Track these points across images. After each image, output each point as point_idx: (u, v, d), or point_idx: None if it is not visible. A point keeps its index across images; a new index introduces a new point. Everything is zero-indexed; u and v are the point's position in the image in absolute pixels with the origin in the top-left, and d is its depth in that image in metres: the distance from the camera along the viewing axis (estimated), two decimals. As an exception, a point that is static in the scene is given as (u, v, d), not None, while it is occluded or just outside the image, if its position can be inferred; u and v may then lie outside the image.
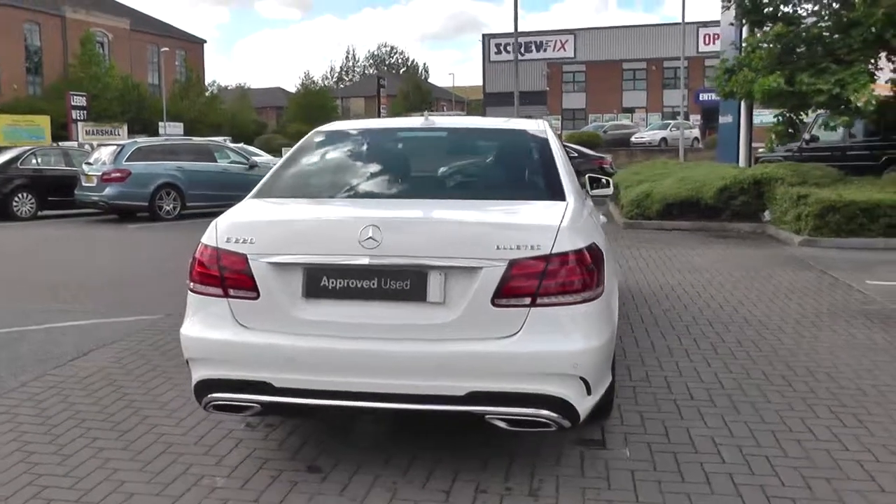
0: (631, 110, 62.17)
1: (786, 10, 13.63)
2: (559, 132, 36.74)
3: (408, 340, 3.22)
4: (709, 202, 13.05)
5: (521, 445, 3.84)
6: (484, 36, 69.63)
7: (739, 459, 3.72)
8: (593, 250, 3.35)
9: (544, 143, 4.25)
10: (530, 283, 3.16)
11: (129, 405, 4.59)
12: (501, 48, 67.13)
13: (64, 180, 17.08)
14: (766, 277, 8.58)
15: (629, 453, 3.80)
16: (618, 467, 3.64)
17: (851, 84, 11.64)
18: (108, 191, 15.75)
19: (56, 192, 17.16)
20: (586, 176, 5.76)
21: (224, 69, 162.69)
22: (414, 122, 4.83)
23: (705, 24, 56.75)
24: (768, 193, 12.67)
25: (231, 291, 3.38)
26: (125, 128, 43.13)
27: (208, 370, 3.41)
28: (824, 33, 12.96)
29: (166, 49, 59.77)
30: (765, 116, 21.62)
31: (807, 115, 14.76)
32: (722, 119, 20.01)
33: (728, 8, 14.45)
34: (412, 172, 4.37)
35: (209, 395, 3.44)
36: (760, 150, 18.45)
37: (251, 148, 28.92)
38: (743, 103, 16.43)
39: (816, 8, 13.60)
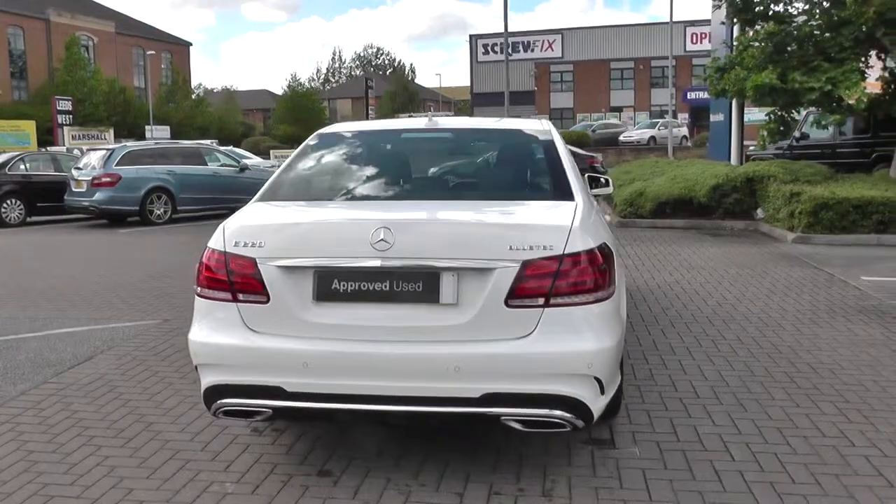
0: (619, 109, 62.36)
1: (777, 8, 13.68)
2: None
3: (421, 343, 3.20)
4: (702, 200, 13.09)
5: (531, 446, 3.84)
6: (471, 36, 69.75)
7: (749, 457, 3.73)
8: (604, 250, 3.35)
9: (550, 142, 4.25)
10: (543, 283, 3.15)
11: (132, 412, 4.56)
12: (489, 48, 67.24)
13: (53, 186, 16.95)
14: (761, 274, 8.62)
15: (639, 452, 3.80)
16: (629, 466, 3.64)
17: (843, 82, 11.71)
18: (98, 196, 15.65)
19: (45, 198, 17.00)
20: (586, 175, 5.76)
21: (210, 72, 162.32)
22: (418, 123, 4.81)
23: (693, 24, 57.08)
24: (761, 191, 12.72)
25: (240, 296, 3.35)
26: (111, 132, 42.92)
27: (218, 376, 3.38)
28: (815, 32, 13.02)
29: (152, 52, 59.53)
30: (753, 115, 21.78)
31: (798, 112, 14.84)
32: (713, 117, 20.10)
33: (719, 7, 14.49)
34: (419, 174, 4.36)
35: (219, 401, 3.40)
36: (751, 147, 18.54)
37: (240, 151, 28.83)
38: (734, 102, 16.50)
39: (807, 7, 13.66)
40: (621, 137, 45.82)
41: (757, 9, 13.72)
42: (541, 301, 3.16)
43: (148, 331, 6.53)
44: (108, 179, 15.62)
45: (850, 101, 11.86)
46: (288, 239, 3.42)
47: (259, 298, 3.32)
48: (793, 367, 5.16)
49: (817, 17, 13.29)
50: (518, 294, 3.15)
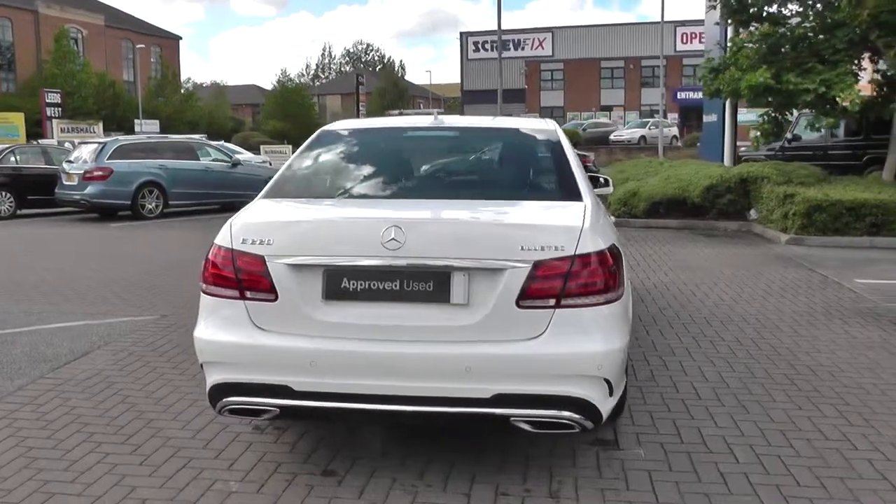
0: (609, 108, 62.47)
1: (771, 10, 13.73)
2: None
3: (431, 342, 3.18)
4: (695, 201, 13.13)
5: (536, 447, 3.83)
6: (462, 34, 69.72)
7: (753, 459, 3.74)
8: (614, 251, 3.34)
9: (557, 142, 4.24)
10: (555, 284, 3.14)
11: (132, 408, 4.52)
12: (480, 46, 67.25)
13: (44, 179, 16.80)
14: (756, 276, 8.65)
15: (644, 453, 3.80)
16: (634, 468, 3.63)
17: (837, 84, 11.76)
18: (89, 189, 15.53)
19: (36, 191, 16.86)
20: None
21: (199, 66, 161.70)
22: (423, 121, 4.78)
23: (683, 24, 57.31)
24: (754, 192, 12.77)
25: (248, 293, 3.32)
26: (100, 125, 42.59)
27: (224, 374, 3.35)
28: (809, 34, 13.07)
29: (141, 46, 59.13)
30: (744, 115, 21.85)
31: (791, 114, 14.90)
32: (706, 118, 20.16)
33: (714, 7, 14.53)
34: (427, 172, 4.33)
35: (225, 399, 3.37)
36: (743, 148, 18.61)
37: (231, 146, 28.69)
38: (728, 102, 16.55)
39: (801, 9, 13.71)
40: (612, 137, 45.89)
41: (751, 10, 13.77)
42: (552, 302, 3.15)
43: (145, 326, 6.48)
44: (99, 173, 15.51)
45: (845, 104, 11.91)
46: (297, 237, 3.39)
47: (267, 296, 3.29)
48: (792, 370, 5.17)
49: (811, 19, 13.34)
50: (529, 295, 3.14)
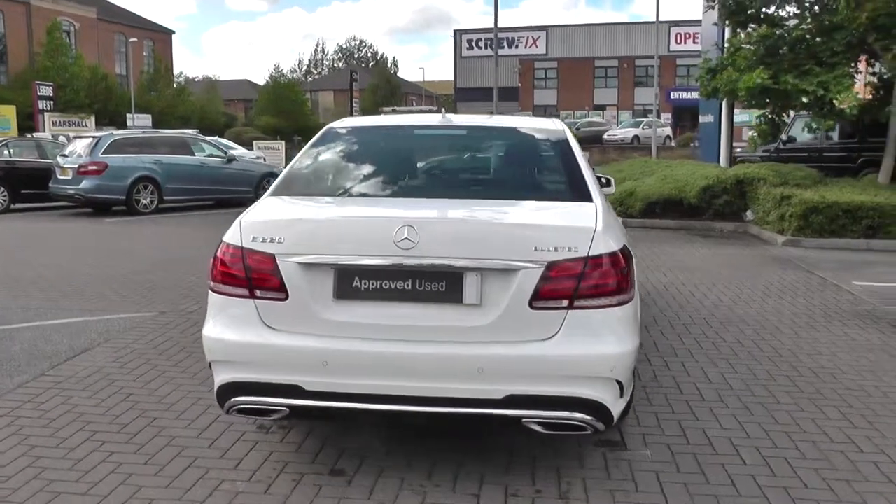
0: (602, 107, 62.57)
1: (769, 12, 13.75)
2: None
3: (443, 343, 3.17)
4: (692, 201, 13.14)
5: (542, 447, 3.83)
6: (456, 32, 69.70)
7: (759, 461, 3.75)
8: (626, 252, 3.34)
9: (566, 142, 4.23)
10: (568, 285, 3.13)
11: (134, 407, 4.49)
12: (473, 44, 67.22)
13: (37, 173, 16.68)
14: (754, 277, 8.67)
15: (651, 454, 3.80)
16: (642, 469, 3.64)
17: (835, 87, 11.80)
18: (84, 184, 15.46)
19: (29, 185, 16.74)
20: None
21: (191, 61, 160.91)
22: (431, 119, 4.76)
23: (677, 24, 57.41)
24: (751, 193, 12.80)
25: (258, 292, 3.30)
26: (93, 119, 42.36)
27: (233, 373, 3.32)
28: (807, 36, 13.11)
29: (134, 39, 58.70)
30: (737, 115, 21.89)
31: (788, 115, 14.93)
32: (702, 118, 20.18)
33: (712, 8, 14.55)
34: (437, 171, 4.31)
35: (234, 399, 3.35)
36: (739, 149, 18.64)
37: (226, 141, 28.57)
38: (724, 103, 16.57)
39: (799, 11, 13.74)
40: (605, 136, 45.90)
41: (749, 11, 13.79)
42: (565, 303, 3.14)
43: (144, 323, 6.44)
44: (94, 167, 15.43)
45: (843, 107, 11.96)
46: (308, 235, 3.36)
47: (277, 295, 3.27)
48: (795, 371, 5.19)
49: (809, 21, 13.37)
50: (542, 296, 3.13)
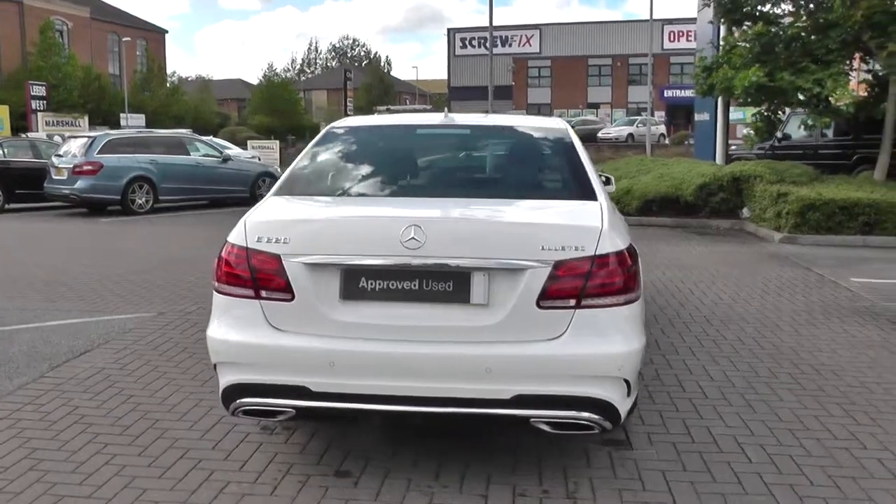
0: (596, 106, 62.61)
1: (764, 9, 13.77)
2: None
3: (451, 343, 3.15)
4: (688, 199, 13.16)
5: (548, 446, 3.82)
6: (449, 30, 69.68)
7: (765, 458, 3.75)
8: (632, 251, 3.34)
9: (569, 141, 4.22)
10: (575, 284, 3.12)
11: (136, 408, 4.46)
12: (467, 42, 67.21)
13: (32, 172, 16.61)
14: (752, 274, 8.68)
15: (656, 453, 3.80)
16: (648, 468, 3.63)
17: (831, 84, 11.82)
18: (79, 184, 15.40)
19: (24, 185, 16.66)
20: None
21: (184, 60, 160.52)
22: (433, 118, 4.74)
23: (671, 22, 57.51)
24: (747, 191, 12.82)
25: (263, 293, 3.28)
26: (86, 119, 42.18)
27: (239, 374, 3.30)
28: (802, 34, 13.13)
29: (127, 39, 58.61)
30: (732, 113, 21.92)
31: (783, 113, 14.95)
32: (698, 116, 20.18)
33: (707, 6, 14.55)
34: (441, 171, 4.30)
35: (239, 401, 3.32)
36: (734, 147, 18.67)
37: (220, 141, 28.49)
38: (720, 101, 16.58)
39: (794, 9, 13.76)
40: (599, 134, 45.89)
41: (744, 9, 13.81)
42: (572, 302, 3.13)
43: (143, 324, 6.41)
44: (89, 167, 15.37)
45: (839, 104, 11.99)
46: (314, 235, 3.34)
47: (283, 296, 3.25)
48: (796, 369, 5.19)
49: (804, 19, 13.40)
50: (550, 295, 3.12)
